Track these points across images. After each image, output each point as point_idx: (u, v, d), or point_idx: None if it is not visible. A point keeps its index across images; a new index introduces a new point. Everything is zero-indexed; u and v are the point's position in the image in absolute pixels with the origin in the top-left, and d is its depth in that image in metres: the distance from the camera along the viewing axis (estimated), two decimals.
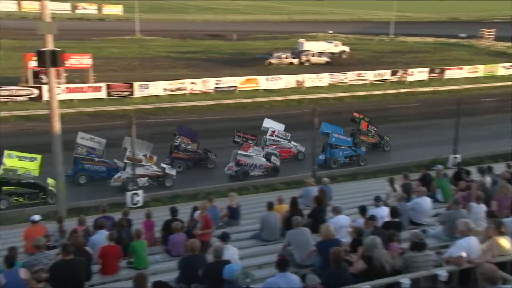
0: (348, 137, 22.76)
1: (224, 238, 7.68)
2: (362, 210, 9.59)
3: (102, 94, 33.12)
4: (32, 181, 17.19)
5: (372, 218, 8.67)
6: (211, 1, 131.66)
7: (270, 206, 10.16)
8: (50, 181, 17.29)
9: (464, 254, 6.53)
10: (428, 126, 27.11)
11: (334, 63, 50.10)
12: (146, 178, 19.21)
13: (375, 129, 24.40)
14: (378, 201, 10.22)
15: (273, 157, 21.30)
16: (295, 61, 50.14)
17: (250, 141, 21.80)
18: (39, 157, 17.36)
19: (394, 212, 9.20)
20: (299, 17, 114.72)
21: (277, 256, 6.80)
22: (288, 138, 22.89)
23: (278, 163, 21.20)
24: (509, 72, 43.53)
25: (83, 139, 19.52)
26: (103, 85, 33.61)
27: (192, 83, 36.19)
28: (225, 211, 11.49)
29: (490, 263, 5.56)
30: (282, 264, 6.15)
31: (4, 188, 16.85)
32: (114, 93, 33.42)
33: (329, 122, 22.80)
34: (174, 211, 10.12)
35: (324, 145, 22.01)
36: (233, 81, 37.69)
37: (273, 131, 22.79)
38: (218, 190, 17.71)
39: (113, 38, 63.54)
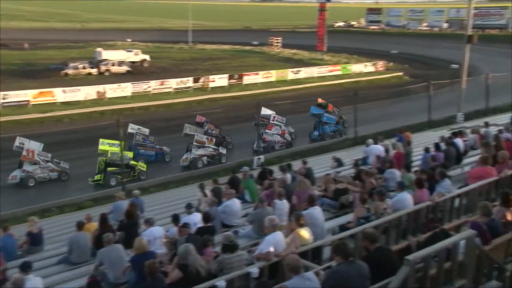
0: (332, 115, 27.67)
1: (24, 268, 6.96)
2: (175, 218, 9.64)
3: None
4: (127, 162, 20.85)
5: (185, 225, 8.77)
6: None
7: (79, 226, 9.53)
8: (132, 161, 21.44)
9: (272, 249, 7.03)
10: (232, 130, 28.68)
11: (136, 72, 49.50)
12: (206, 157, 23.00)
13: (338, 109, 28.73)
14: (189, 208, 10.39)
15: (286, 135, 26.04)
16: (94, 71, 48.09)
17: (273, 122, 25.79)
18: (122, 143, 20.57)
19: (206, 217, 9.46)
20: (93, 25, 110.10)
21: (88, 278, 6.38)
22: (284, 122, 26.48)
23: (290, 139, 26.06)
24: (297, 76, 48.87)
25: (133, 129, 23.31)
26: None
27: None
28: (24, 238, 10.39)
29: (294, 254, 6.11)
30: (93, 286, 5.79)
31: (109, 169, 20.64)
32: None
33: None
34: None
35: (315, 124, 27.34)
36: (24, 95, 34.27)
37: (274, 116, 26.20)
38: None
39: None
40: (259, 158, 21.54)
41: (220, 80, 44.72)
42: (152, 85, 40.84)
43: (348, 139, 25.14)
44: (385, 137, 18.92)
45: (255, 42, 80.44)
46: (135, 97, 38.72)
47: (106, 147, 20.80)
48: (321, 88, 45.08)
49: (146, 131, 23.89)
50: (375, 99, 34.44)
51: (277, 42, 74.94)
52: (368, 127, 27.63)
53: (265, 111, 26.05)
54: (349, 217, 9.73)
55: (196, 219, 9.73)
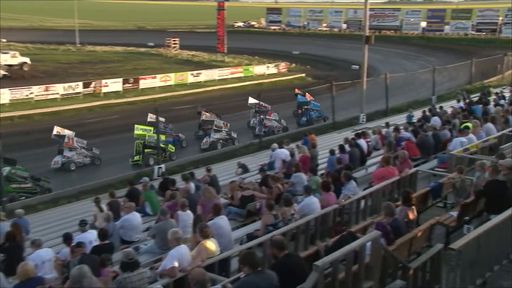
0: (317, 103, 32.31)
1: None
2: (66, 238, 9.20)
3: None
4: (160, 144, 23.69)
5: (79, 245, 8.39)
6: None
7: None
8: (162, 144, 24.33)
9: (176, 264, 6.94)
10: (130, 138, 27.98)
11: (14, 77, 46.43)
12: (221, 140, 26.75)
13: (313, 99, 32.65)
14: (83, 225, 9.97)
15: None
16: None
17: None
18: (152, 128, 24.32)
19: (103, 234, 9.12)
20: None
21: None
22: (269, 108, 30.37)
23: (285, 124, 30.08)
24: (197, 79, 48.82)
25: (152, 118, 25.22)
26: None
27: None
28: None
29: (199, 268, 6.08)
30: None
31: (146, 150, 23.91)
32: None
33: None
34: None
35: (303, 110, 32.05)
36: None
37: (260, 104, 29.63)
38: None
39: None
40: (160, 167, 21.20)
41: (113, 84, 43.35)
42: (35, 91, 38.48)
43: (252, 144, 25.62)
44: (291, 140, 19.55)
45: (150, 44, 79.14)
46: (15, 104, 36.29)
47: (140, 132, 24.54)
48: (223, 91, 45.56)
49: (162, 119, 26.30)
50: (278, 101, 35.41)
51: (175, 43, 74.32)
52: None
53: (251, 100, 30.27)
54: (257, 225, 9.90)
55: (91, 237, 9.35)
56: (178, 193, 11.83)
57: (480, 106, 20.46)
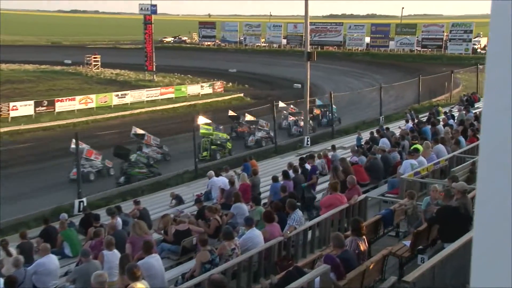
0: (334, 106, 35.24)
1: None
2: None
3: None
4: (219, 142, 29.48)
5: None
6: None
7: None
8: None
9: None
10: (44, 169, 26.97)
11: None
12: (264, 138, 32.07)
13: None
14: None
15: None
16: None
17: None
18: (211, 128, 30.07)
19: (10, 282, 8.69)
20: None
21: None
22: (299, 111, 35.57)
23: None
24: (123, 101, 48.14)
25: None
26: None
27: None
28: None
29: None
30: None
31: (212, 147, 29.33)
32: None
33: None
34: None
35: (322, 112, 37.56)
36: None
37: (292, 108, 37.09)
38: None
39: None
40: (82, 201, 20.54)
41: (24, 108, 41.80)
42: None
43: (187, 172, 25.45)
44: (230, 166, 19.58)
45: (67, 61, 77.40)
46: None
47: (204, 131, 29.54)
48: (152, 114, 45.14)
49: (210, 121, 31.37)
50: (218, 122, 35.65)
51: (96, 61, 73.03)
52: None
53: (281, 104, 36.39)
54: (193, 263, 9.78)
55: None
56: (103, 230, 11.53)
57: (429, 126, 21.41)
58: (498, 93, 1.13)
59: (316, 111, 37.87)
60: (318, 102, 39.39)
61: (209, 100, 52.39)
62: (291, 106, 37.04)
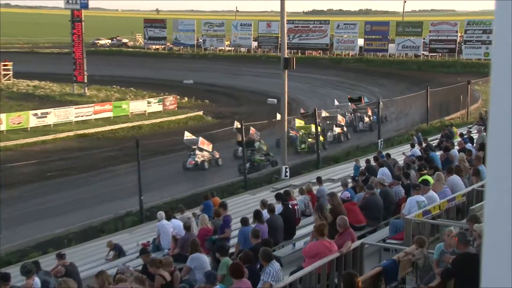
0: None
1: None
2: None
3: None
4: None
5: None
6: None
7: None
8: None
9: None
10: None
11: None
12: (339, 134, 41.28)
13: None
14: None
15: None
16: None
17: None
18: (302, 121, 39.58)
19: None
20: None
21: None
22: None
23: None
24: (43, 122, 47.52)
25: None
26: None
27: None
28: None
29: None
30: None
31: (309, 140, 37.83)
32: None
33: None
34: None
35: (357, 118, 45.12)
36: None
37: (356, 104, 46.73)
38: None
39: None
40: None
41: None
42: None
43: (130, 214, 25.21)
44: (186, 206, 19.50)
45: None
46: None
47: (300, 124, 38.86)
48: (83, 139, 44.70)
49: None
50: (167, 150, 35.44)
51: (6, 69, 72.09)
52: (163, 192, 28.44)
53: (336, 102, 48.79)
54: None
55: None
56: None
57: (442, 152, 21.69)
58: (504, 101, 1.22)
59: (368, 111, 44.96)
60: (366, 100, 49.11)
61: (158, 120, 52.27)
62: (325, 111, 43.63)
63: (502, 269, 1.29)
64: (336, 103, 47.88)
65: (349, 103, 47.37)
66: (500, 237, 1.30)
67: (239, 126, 33.93)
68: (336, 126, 41.17)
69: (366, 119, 44.40)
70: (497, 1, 1.23)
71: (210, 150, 35.13)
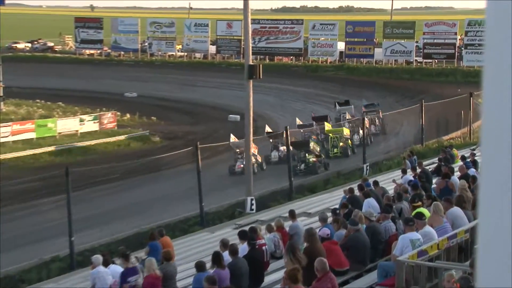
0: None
1: None
2: None
3: None
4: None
5: None
6: None
7: None
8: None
9: None
10: None
11: None
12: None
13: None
14: None
15: None
16: None
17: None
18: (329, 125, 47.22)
19: None
20: None
21: None
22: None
23: None
24: None
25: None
26: None
27: None
28: None
29: None
30: None
31: (340, 144, 44.63)
32: None
33: None
34: None
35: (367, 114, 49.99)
36: None
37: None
38: None
39: None
40: None
41: None
42: None
43: (58, 259, 24.88)
44: (130, 248, 19.34)
45: None
46: None
47: (329, 128, 45.45)
48: None
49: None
50: (105, 179, 35.29)
51: None
52: (101, 230, 28.19)
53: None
54: None
55: None
56: None
57: (439, 179, 21.84)
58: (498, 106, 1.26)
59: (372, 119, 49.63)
60: (363, 101, 54.81)
61: (93, 142, 51.81)
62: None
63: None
64: (298, 121, 48.57)
65: (314, 123, 48.43)
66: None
67: (269, 130, 44.49)
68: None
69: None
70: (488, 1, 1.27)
71: (256, 153, 39.89)
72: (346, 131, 45.47)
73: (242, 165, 38.00)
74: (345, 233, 15.95)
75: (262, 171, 39.48)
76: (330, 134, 44.90)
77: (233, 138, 40.97)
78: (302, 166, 38.85)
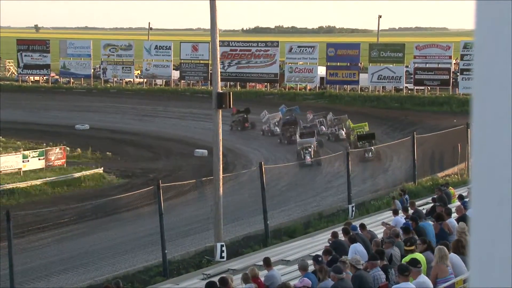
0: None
1: None
2: None
3: None
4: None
5: None
6: None
7: None
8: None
9: None
10: None
11: None
12: None
13: None
14: None
15: None
16: None
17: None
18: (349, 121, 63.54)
19: None
20: None
21: None
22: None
23: None
24: None
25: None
26: None
27: None
28: None
29: None
30: None
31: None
32: None
33: None
34: None
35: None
36: None
37: None
38: None
39: None
40: None
41: None
42: None
43: None
44: None
45: None
46: None
47: (351, 126, 60.00)
48: None
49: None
50: (51, 226, 35.15)
51: None
52: (42, 286, 27.98)
53: None
54: None
55: None
56: None
57: (434, 221, 21.97)
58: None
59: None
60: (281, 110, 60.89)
61: (39, 182, 51.53)
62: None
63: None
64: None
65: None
66: None
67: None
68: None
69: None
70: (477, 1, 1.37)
71: None
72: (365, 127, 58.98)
73: (310, 159, 47.80)
74: (329, 284, 15.99)
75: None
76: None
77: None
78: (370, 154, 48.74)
